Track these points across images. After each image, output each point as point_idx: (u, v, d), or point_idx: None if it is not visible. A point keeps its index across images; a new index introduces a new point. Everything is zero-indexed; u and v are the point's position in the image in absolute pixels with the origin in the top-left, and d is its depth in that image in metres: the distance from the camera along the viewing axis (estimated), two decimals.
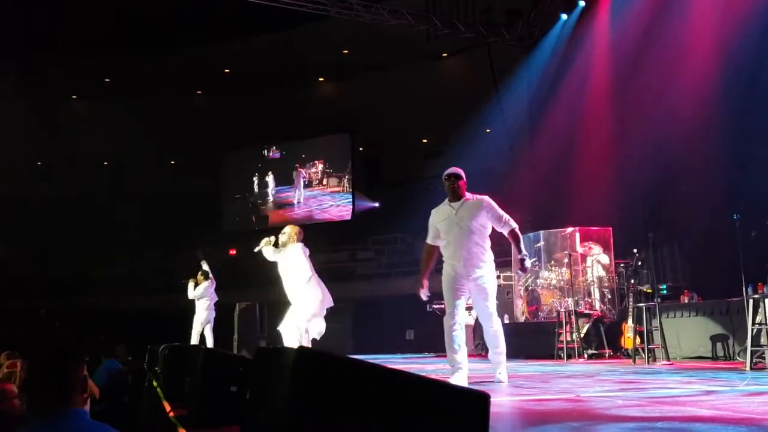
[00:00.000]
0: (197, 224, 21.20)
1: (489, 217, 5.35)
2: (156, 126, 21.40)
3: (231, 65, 21.07)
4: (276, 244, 7.10)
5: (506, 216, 5.41)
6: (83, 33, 18.14)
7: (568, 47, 13.54)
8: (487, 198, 5.41)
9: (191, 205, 21.33)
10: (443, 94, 18.54)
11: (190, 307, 17.06)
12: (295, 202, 22.05)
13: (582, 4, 13.42)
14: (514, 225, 5.42)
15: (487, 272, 5.32)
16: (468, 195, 5.42)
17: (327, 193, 21.31)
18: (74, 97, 22.95)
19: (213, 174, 22.30)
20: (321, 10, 14.50)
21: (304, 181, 21.91)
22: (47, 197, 21.13)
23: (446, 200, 5.47)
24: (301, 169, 21.99)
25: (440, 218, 5.47)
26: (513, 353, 10.81)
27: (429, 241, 5.58)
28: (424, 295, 5.58)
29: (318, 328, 6.80)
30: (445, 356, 5.48)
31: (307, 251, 6.98)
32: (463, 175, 5.44)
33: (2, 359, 5.83)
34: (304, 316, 6.79)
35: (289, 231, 7.02)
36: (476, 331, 12.87)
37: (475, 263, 5.26)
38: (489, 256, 5.36)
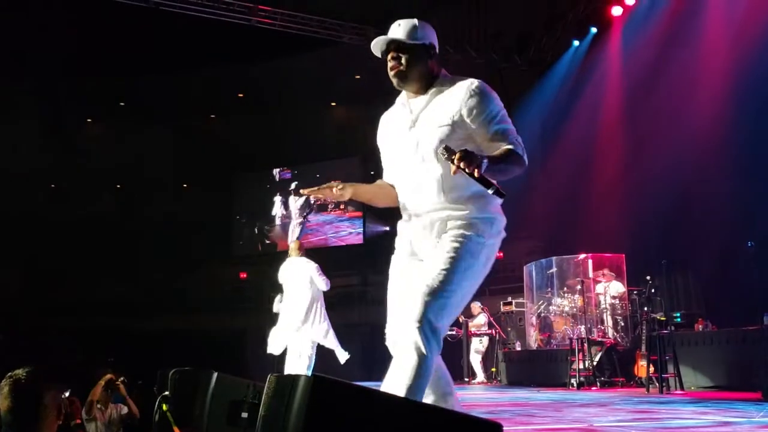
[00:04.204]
0: (208, 247, 21.27)
1: (475, 120, 2.63)
2: (169, 149, 21.58)
3: (244, 89, 21.26)
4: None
5: (507, 123, 2.68)
6: (98, 56, 18.39)
7: (580, 73, 13.59)
8: (477, 83, 2.70)
9: (203, 227, 21.41)
10: None
11: (199, 329, 17.05)
12: (291, 233, 21.81)
13: (594, 30, 13.50)
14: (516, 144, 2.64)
15: (466, 226, 2.60)
16: (443, 79, 2.76)
17: (345, 218, 21.28)
18: (89, 120, 23.21)
19: (225, 197, 22.40)
20: (335, 36, 14.67)
21: (311, 206, 21.81)
22: (60, 218, 21.25)
23: (401, 96, 2.89)
24: (296, 195, 21.75)
25: (387, 132, 3.00)
26: (525, 381, 10.77)
27: (385, 178, 3.04)
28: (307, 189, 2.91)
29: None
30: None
31: (320, 269, 7.12)
32: (432, 39, 2.81)
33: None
34: (309, 343, 6.88)
35: (291, 246, 7.59)
36: (487, 359, 12.76)
37: (444, 212, 2.64)
38: (480, 206, 2.64)
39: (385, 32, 2.90)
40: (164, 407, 3.55)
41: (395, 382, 2.39)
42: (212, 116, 22.75)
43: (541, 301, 11.72)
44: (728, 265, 9.14)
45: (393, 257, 2.81)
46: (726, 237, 9.13)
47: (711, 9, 10.60)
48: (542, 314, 11.63)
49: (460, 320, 12.73)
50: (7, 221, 19.28)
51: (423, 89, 2.74)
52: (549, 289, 11.68)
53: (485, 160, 2.39)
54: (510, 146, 2.58)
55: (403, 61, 2.72)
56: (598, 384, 9.22)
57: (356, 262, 20.19)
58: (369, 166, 21.11)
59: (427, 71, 2.74)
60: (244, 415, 2.51)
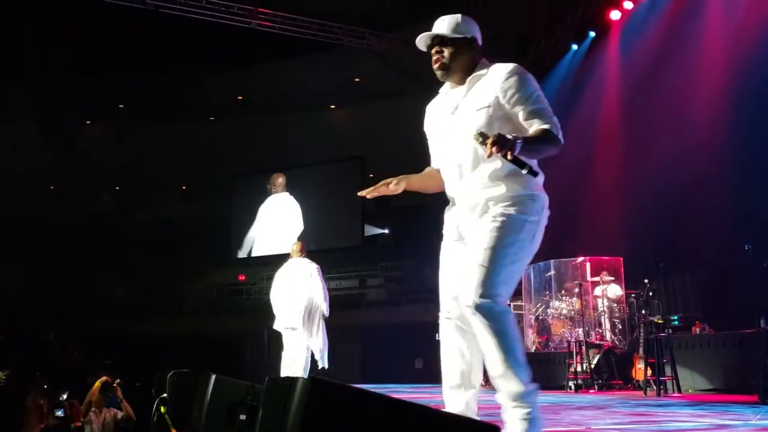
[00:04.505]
0: (207, 248, 21.27)
1: (510, 100, 2.69)
2: (168, 151, 21.59)
3: (243, 92, 21.28)
4: None
5: (542, 103, 2.72)
6: (98, 57, 18.40)
7: (578, 77, 13.61)
8: (512, 65, 2.78)
9: (202, 229, 21.40)
10: None
11: (197, 331, 16.97)
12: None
13: (592, 34, 13.52)
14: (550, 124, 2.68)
15: (508, 204, 2.67)
16: (481, 65, 2.85)
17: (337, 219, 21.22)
18: (88, 121, 23.21)
19: (224, 199, 22.40)
20: (334, 39, 14.69)
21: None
22: (59, 219, 21.26)
23: (444, 86, 2.97)
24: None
25: (432, 120, 3.01)
26: None
27: (433, 163, 3.07)
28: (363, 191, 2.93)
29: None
30: None
31: (321, 272, 7.13)
32: (474, 32, 2.90)
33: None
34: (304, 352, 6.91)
35: (293, 247, 7.40)
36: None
37: (484, 194, 2.70)
38: (517, 185, 2.69)
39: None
40: (162, 409, 3.56)
41: (491, 361, 2.53)
42: (212, 118, 22.75)
43: (539, 304, 11.73)
44: (726, 268, 9.15)
45: (442, 243, 2.89)
46: (723, 240, 9.15)
47: (710, 13, 10.62)
48: (540, 317, 11.64)
49: None
50: (7, 221, 19.28)
51: (464, 79, 2.83)
52: (547, 292, 11.68)
53: (519, 142, 2.47)
54: (545, 126, 2.65)
55: (445, 53, 2.81)
56: (596, 387, 9.23)
57: (354, 265, 20.18)
58: (368, 169, 21.15)
59: (470, 63, 2.83)
60: (242, 417, 2.52)
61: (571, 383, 9.34)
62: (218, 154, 21.64)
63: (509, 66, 2.75)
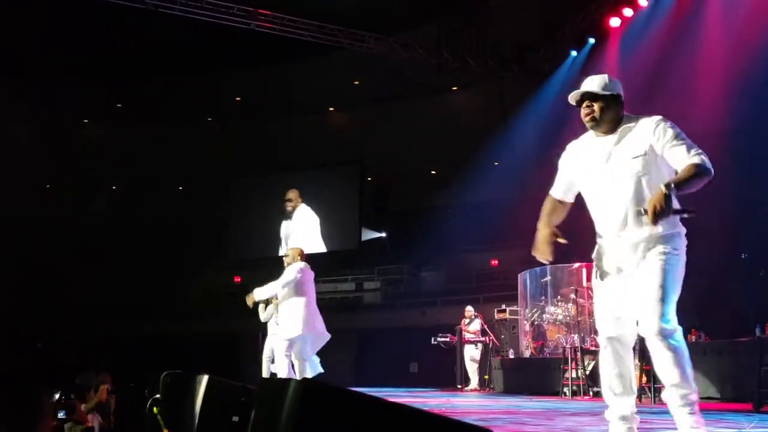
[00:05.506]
0: (204, 250, 21.22)
1: (661, 139, 3.11)
2: (166, 151, 21.55)
3: (242, 93, 21.26)
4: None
5: (688, 140, 3.14)
6: (96, 57, 18.38)
7: (577, 83, 13.63)
8: (660, 116, 3.23)
9: (199, 230, 21.35)
10: (452, 127, 18.63)
11: (193, 332, 16.91)
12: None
13: (591, 41, 13.56)
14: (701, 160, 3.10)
15: (663, 243, 3.15)
16: (627, 118, 3.30)
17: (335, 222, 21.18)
18: (86, 120, 23.16)
19: (222, 200, 22.38)
20: (334, 41, 14.70)
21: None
22: (55, 219, 21.19)
23: (589, 133, 3.39)
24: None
25: (576, 160, 3.43)
26: (518, 389, 10.76)
27: (554, 193, 3.62)
28: (543, 257, 3.56)
29: (316, 369, 6.89)
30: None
31: (312, 274, 7.13)
32: (619, 90, 3.32)
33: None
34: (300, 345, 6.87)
35: (291, 252, 7.44)
36: (480, 366, 12.73)
37: (643, 234, 3.16)
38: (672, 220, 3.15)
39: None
40: (155, 410, 3.54)
41: (666, 372, 3.05)
42: (209, 119, 22.72)
43: (535, 309, 11.72)
44: (722, 276, 9.16)
45: (599, 275, 3.41)
46: (720, 249, 9.15)
47: (709, 20, 10.65)
48: (536, 322, 11.63)
49: (455, 327, 12.69)
50: (2, 221, 19.20)
51: (612, 130, 3.26)
52: (543, 297, 11.67)
53: (673, 191, 2.96)
54: (694, 159, 3.07)
55: (596, 108, 3.26)
56: (591, 393, 9.21)
57: (351, 268, 20.15)
58: (367, 172, 21.15)
59: (616, 116, 3.27)
60: (235, 418, 2.51)
61: (566, 389, 9.32)
62: (216, 155, 21.61)
63: (655, 117, 3.19)
